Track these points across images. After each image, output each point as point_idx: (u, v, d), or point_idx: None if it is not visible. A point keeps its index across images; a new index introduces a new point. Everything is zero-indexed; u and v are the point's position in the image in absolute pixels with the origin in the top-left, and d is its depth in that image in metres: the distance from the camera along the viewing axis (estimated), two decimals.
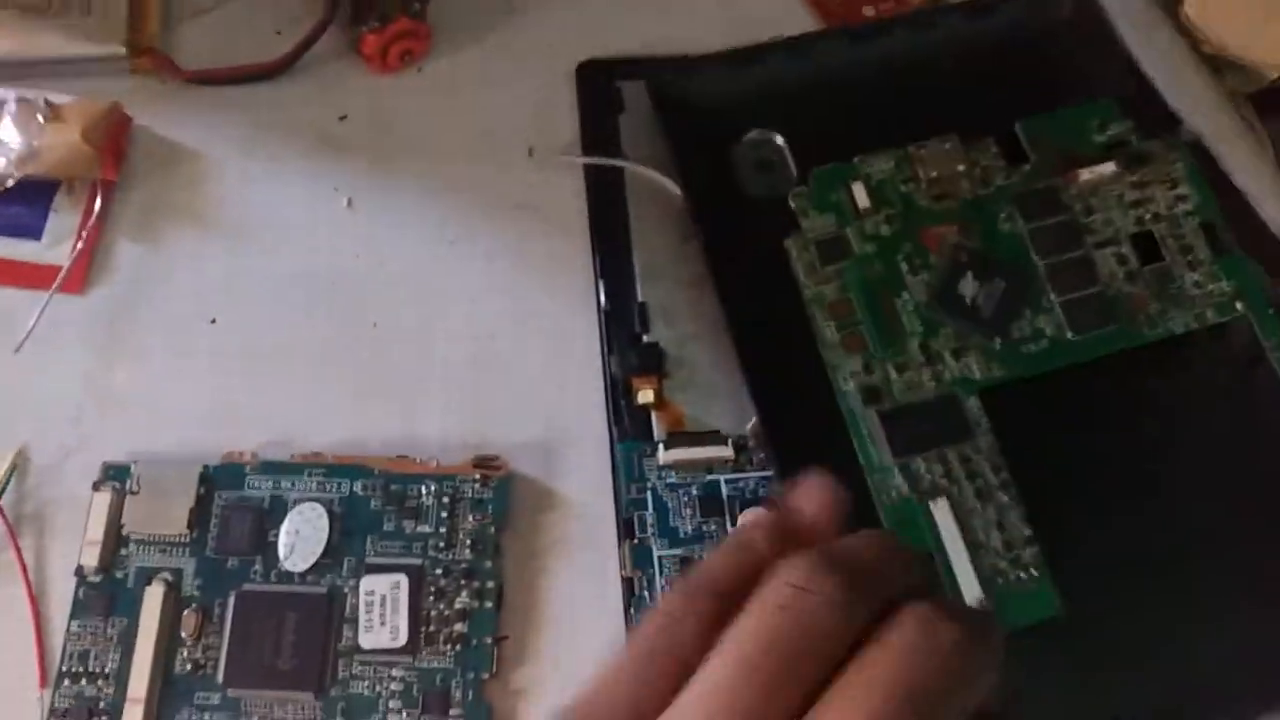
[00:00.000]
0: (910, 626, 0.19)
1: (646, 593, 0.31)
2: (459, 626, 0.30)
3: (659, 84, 0.36)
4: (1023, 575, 0.30)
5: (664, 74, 0.37)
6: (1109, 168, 0.34)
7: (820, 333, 0.33)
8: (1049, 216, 0.34)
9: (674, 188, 0.36)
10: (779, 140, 0.36)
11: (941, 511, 0.30)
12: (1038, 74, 0.37)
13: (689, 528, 0.32)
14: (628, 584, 0.31)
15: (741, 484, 0.32)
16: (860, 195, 0.34)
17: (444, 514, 0.31)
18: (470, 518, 0.31)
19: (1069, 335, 0.33)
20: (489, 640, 0.30)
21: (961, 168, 0.34)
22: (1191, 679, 0.29)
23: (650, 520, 0.32)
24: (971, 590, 0.29)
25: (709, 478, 0.32)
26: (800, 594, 0.19)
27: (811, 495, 0.22)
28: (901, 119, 0.35)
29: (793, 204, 0.34)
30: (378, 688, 0.29)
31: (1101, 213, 0.34)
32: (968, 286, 0.33)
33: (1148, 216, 0.34)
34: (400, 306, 0.35)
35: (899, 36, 0.38)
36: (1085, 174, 0.34)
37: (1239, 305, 0.33)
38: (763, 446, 0.32)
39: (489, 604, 0.30)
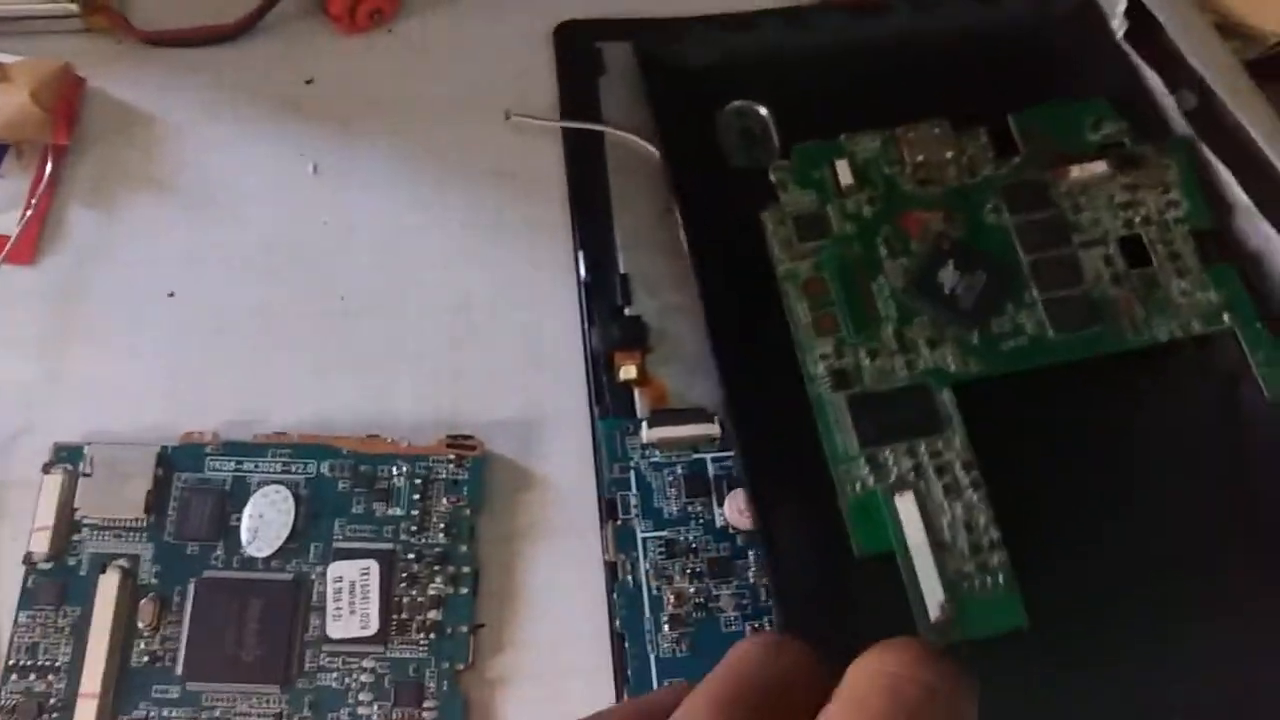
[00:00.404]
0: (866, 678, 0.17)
1: (629, 577, 0.29)
2: (433, 614, 0.28)
3: (645, 45, 0.35)
4: (989, 582, 0.28)
5: (651, 34, 0.35)
6: (1100, 167, 0.33)
7: (792, 311, 0.31)
8: (1036, 211, 0.33)
9: (656, 153, 0.34)
10: (763, 112, 0.34)
11: (907, 507, 0.29)
12: (1035, 67, 0.36)
13: (674, 509, 0.30)
14: (610, 568, 0.30)
15: (728, 463, 0.31)
16: (844, 173, 0.33)
17: (416, 496, 0.30)
18: (444, 500, 0.30)
19: (1050, 334, 0.31)
20: (464, 629, 0.29)
21: (950, 154, 0.33)
22: (1158, 698, 0.28)
23: (633, 501, 0.30)
24: (934, 595, 0.28)
25: (694, 456, 0.31)
26: (758, 656, 0.18)
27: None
28: (892, 100, 0.34)
29: (773, 177, 0.33)
30: (347, 679, 0.28)
31: (1090, 212, 0.33)
32: (948, 276, 0.31)
33: (1137, 220, 0.33)
34: (369, 278, 0.33)
35: (901, 16, 0.36)
36: (1076, 171, 0.33)
37: (1226, 317, 0.32)
38: (727, 425, 0.30)
39: (464, 590, 0.29)
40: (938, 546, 0.28)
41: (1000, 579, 0.28)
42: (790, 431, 0.30)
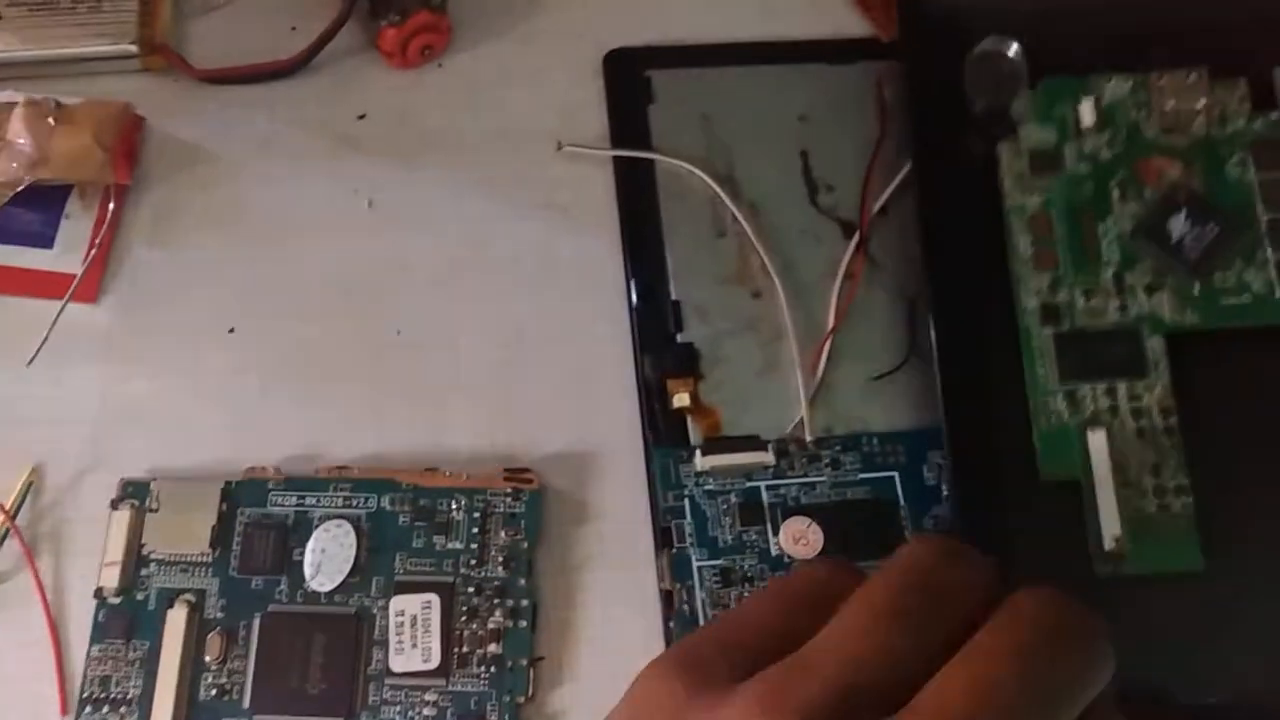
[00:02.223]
0: (1035, 601, 0.19)
1: (686, 605, 0.29)
2: (493, 647, 0.29)
3: None
4: (1170, 522, 0.29)
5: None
6: None
7: (1014, 244, 0.32)
8: None
9: (707, 180, 0.34)
10: (1014, 48, 0.34)
11: (1098, 443, 0.30)
12: None
13: (729, 537, 0.30)
14: (666, 597, 0.30)
15: (783, 491, 0.31)
16: (1086, 113, 0.33)
17: (475, 529, 0.30)
18: (502, 533, 0.30)
19: (1277, 295, 0.31)
20: (524, 661, 0.29)
21: (1202, 103, 0.33)
22: None
23: (688, 529, 0.30)
24: (1111, 528, 0.29)
25: (748, 484, 0.31)
26: (933, 562, 0.20)
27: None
28: (1148, 47, 0.34)
29: (1015, 111, 0.33)
30: (410, 713, 0.28)
31: None
32: (1178, 225, 0.32)
33: None
34: (424, 311, 0.34)
35: None
36: None
37: None
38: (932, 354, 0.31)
39: (523, 623, 0.29)
40: (1122, 483, 0.29)
41: (1181, 522, 0.29)
42: (994, 358, 0.31)
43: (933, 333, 0.31)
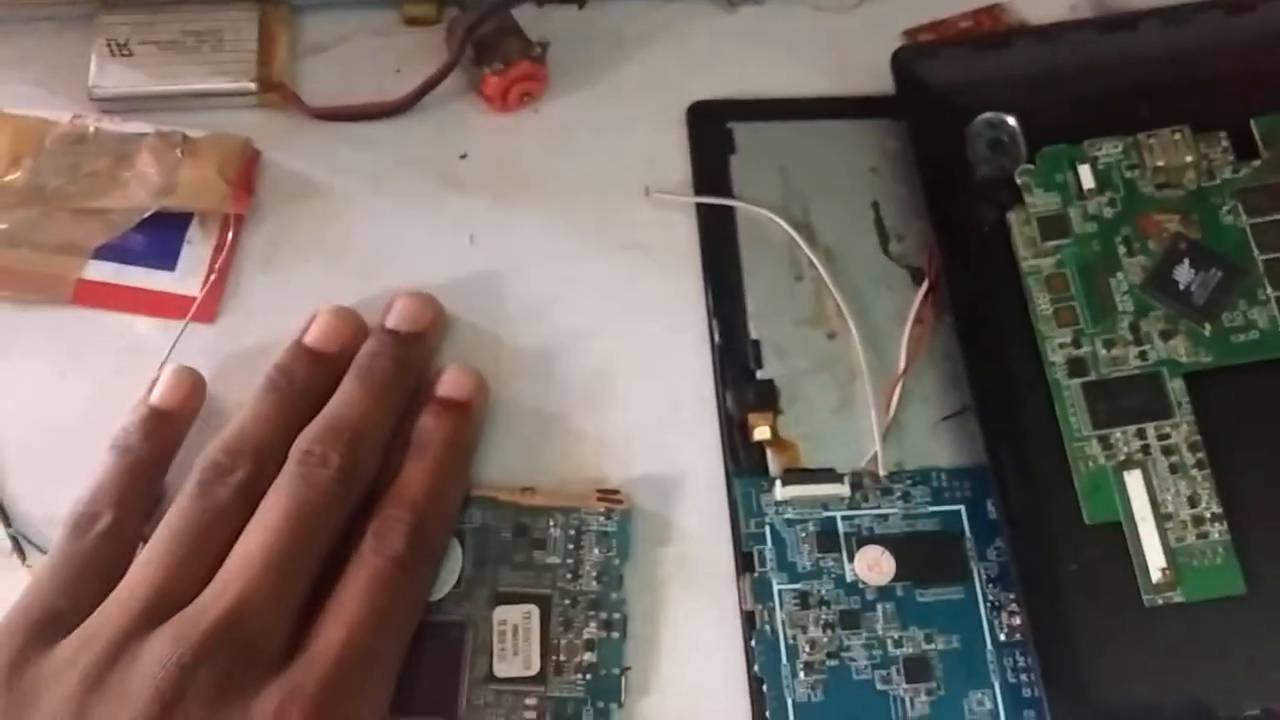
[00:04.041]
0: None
1: (767, 625, 0.32)
2: (588, 656, 0.31)
3: (902, 61, 0.37)
4: (1209, 550, 0.31)
5: (907, 51, 0.38)
6: None
7: (1034, 303, 0.34)
8: (1274, 213, 0.35)
9: (785, 227, 0.37)
10: (1012, 121, 0.37)
11: (1135, 482, 0.32)
12: None
13: (807, 563, 0.32)
14: (748, 617, 0.32)
15: (857, 521, 0.33)
16: (1086, 177, 0.36)
17: (570, 546, 0.32)
18: (595, 550, 0.32)
19: None
20: (617, 670, 0.31)
21: (1189, 159, 0.36)
22: None
23: (769, 555, 0.32)
24: (1156, 561, 0.31)
25: (825, 514, 0.33)
26: (312, 471, 0.30)
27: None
28: (1134, 107, 0.37)
29: (1019, 181, 0.36)
30: (512, 715, 0.30)
31: None
32: (1183, 273, 0.34)
33: None
34: (521, 343, 0.36)
35: (1150, 29, 0.38)
36: None
37: None
38: (972, 410, 0.34)
39: (615, 634, 0.31)
40: (1161, 518, 0.32)
41: (1220, 549, 0.31)
42: (1029, 411, 0.33)
43: (969, 391, 0.33)
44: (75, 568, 0.29)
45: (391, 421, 0.32)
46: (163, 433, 0.32)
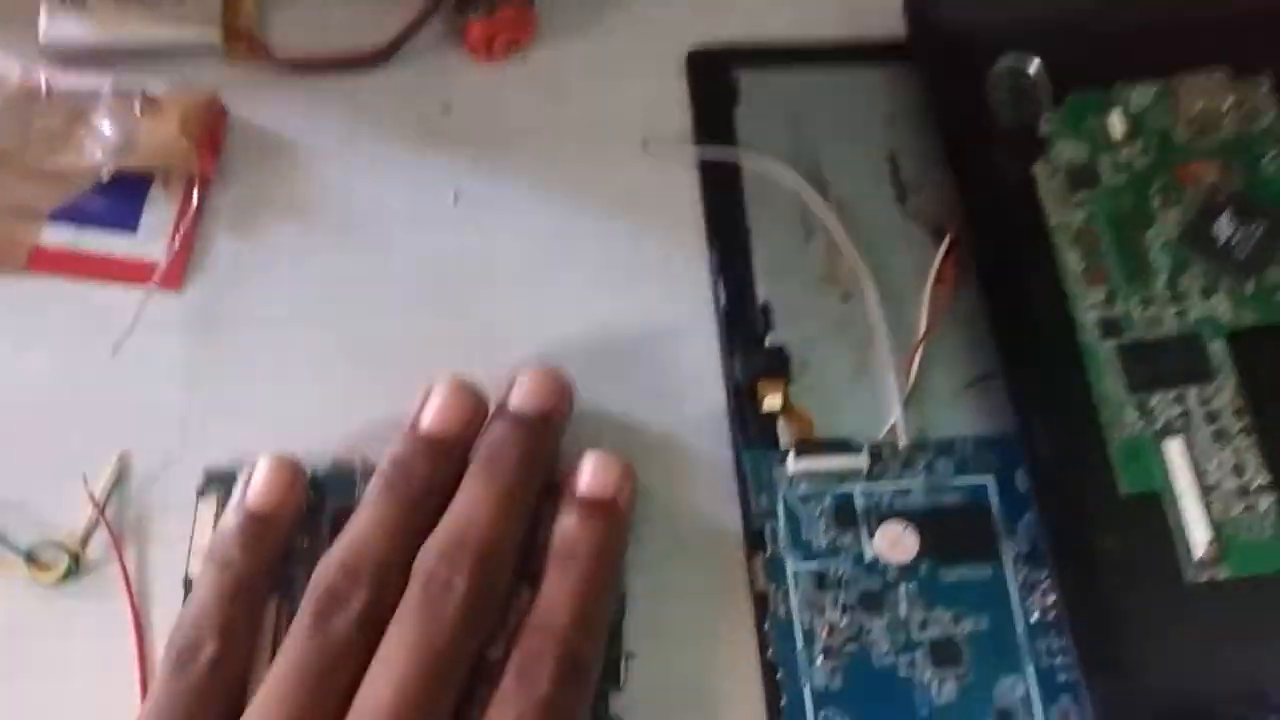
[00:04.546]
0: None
1: (782, 608, 0.29)
2: None
3: (914, 6, 0.35)
4: (1256, 523, 0.29)
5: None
6: None
7: (1063, 263, 0.32)
8: None
9: (795, 181, 0.34)
10: (1035, 65, 0.34)
11: (1175, 451, 0.30)
12: None
13: (822, 541, 0.30)
14: (760, 599, 0.30)
15: (877, 495, 0.30)
16: (1116, 125, 0.33)
17: None
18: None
19: None
20: (615, 654, 0.28)
21: (1228, 104, 0.33)
22: None
23: (781, 532, 0.30)
24: (1200, 534, 0.29)
25: (841, 488, 0.31)
26: (438, 598, 0.26)
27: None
28: (1167, 48, 0.34)
29: (1044, 129, 0.34)
30: None
31: None
32: (1223, 226, 0.32)
33: None
34: (510, 306, 0.34)
35: None
36: None
37: None
38: (1001, 377, 0.31)
39: (615, 615, 0.29)
40: (1205, 489, 0.29)
41: (1269, 521, 0.29)
42: (1060, 377, 0.31)
43: (996, 355, 0.31)
44: (183, 708, 0.26)
45: (523, 526, 0.28)
46: (265, 541, 0.28)
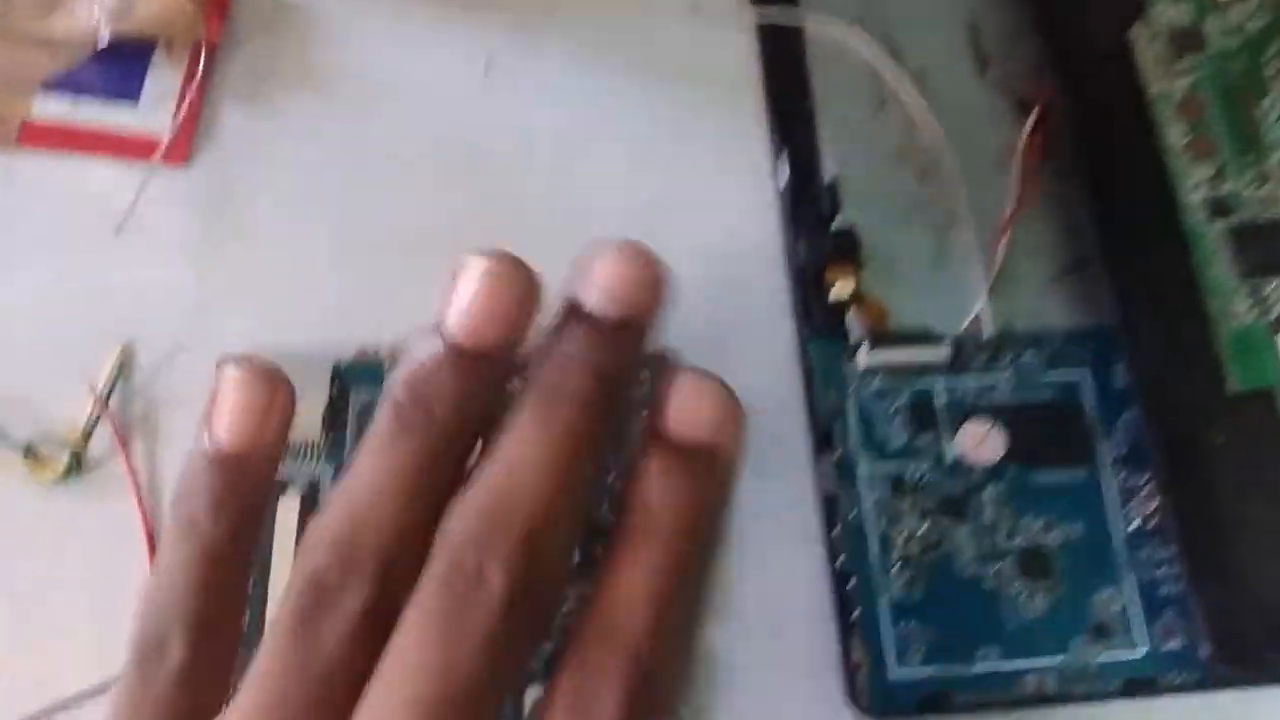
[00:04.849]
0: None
1: (853, 513, 0.26)
2: None
3: None
4: None
5: None
6: None
7: (1165, 137, 0.29)
8: None
9: (865, 47, 0.31)
10: None
11: None
12: None
13: (898, 441, 0.27)
14: (828, 504, 0.27)
15: (959, 391, 0.27)
16: None
17: None
18: (637, 424, 0.27)
19: None
20: None
21: None
22: None
23: (852, 432, 0.27)
24: None
25: (920, 384, 0.28)
26: (467, 597, 0.17)
27: None
28: None
29: None
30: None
31: None
32: None
33: None
34: (548, 185, 0.30)
35: None
36: None
37: None
38: (1096, 263, 0.28)
39: None
40: None
41: None
42: (1163, 263, 0.28)
43: (1091, 239, 0.28)
44: None
45: (592, 489, 0.19)
46: (239, 493, 0.20)
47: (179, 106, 0.31)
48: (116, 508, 0.27)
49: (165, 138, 0.30)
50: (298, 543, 0.24)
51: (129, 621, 0.25)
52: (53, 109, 0.31)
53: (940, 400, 0.27)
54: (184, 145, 0.31)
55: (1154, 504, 0.27)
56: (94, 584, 0.26)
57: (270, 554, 0.26)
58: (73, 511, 0.27)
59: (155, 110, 0.31)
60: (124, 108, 0.31)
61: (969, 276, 0.29)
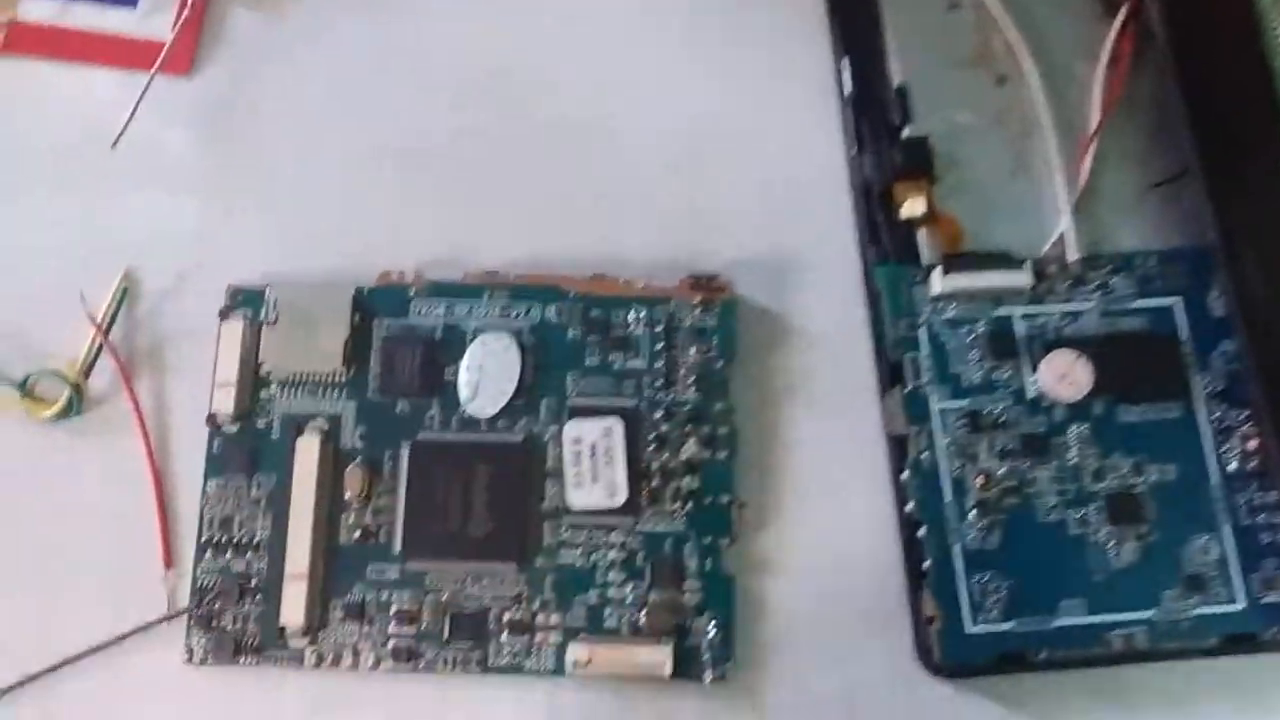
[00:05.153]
0: None
1: (925, 454, 0.24)
2: (688, 481, 0.24)
3: None
4: None
5: None
6: None
7: (1270, 33, 0.26)
8: None
9: None
10: None
11: None
12: None
13: (976, 375, 0.25)
14: (898, 443, 0.25)
15: (1042, 320, 0.25)
16: None
17: (659, 346, 0.25)
18: (691, 350, 0.25)
19: None
20: (725, 498, 0.24)
21: None
22: None
23: (925, 364, 0.25)
24: None
25: (998, 311, 0.25)
26: None
27: None
28: None
29: None
30: (593, 556, 0.24)
31: None
32: None
33: None
34: (587, 95, 0.28)
35: None
36: None
37: None
38: (1193, 176, 0.25)
39: (723, 453, 0.25)
40: None
41: None
42: (1268, 177, 0.25)
43: (1188, 149, 0.25)
44: None
45: None
46: None
47: (180, 10, 0.28)
48: (122, 444, 0.25)
49: (166, 43, 0.28)
50: (319, 481, 0.23)
51: (135, 564, 0.24)
52: (42, 10, 0.29)
53: (1020, 330, 0.25)
54: (187, 52, 0.28)
55: (1254, 443, 0.24)
56: (97, 526, 0.25)
57: (289, 490, 0.24)
58: (73, 450, 0.25)
59: (155, 13, 0.29)
60: (120, 10, 0.29)
61: (1051, 192, 0.27)
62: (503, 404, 0.25)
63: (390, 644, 0.23)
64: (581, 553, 0.24)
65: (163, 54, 0.27)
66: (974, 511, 0.24)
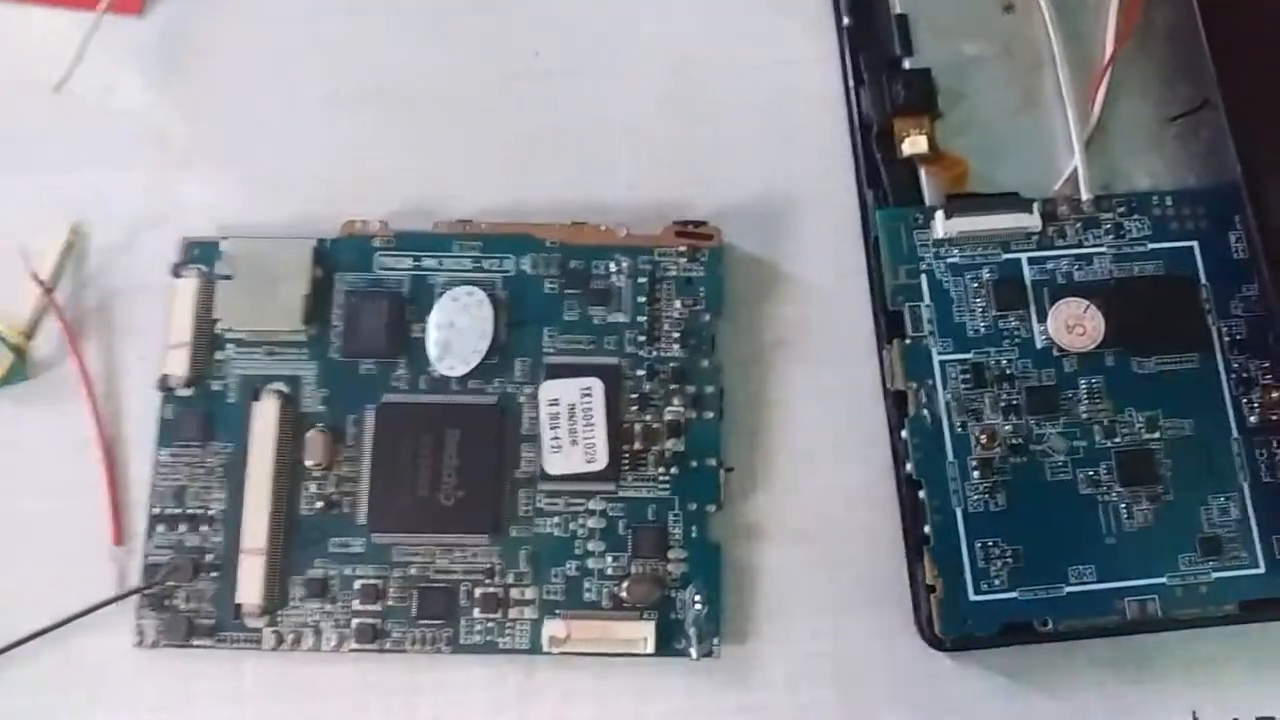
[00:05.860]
0: None
1: (925, 410, 0.23)
2: (672, 444, 0.23)
3: None
4: None
5: None
6: None
7: None
8: None
9: None
10: None
11: None
12: None
13: (981, 324, 0.24)
14: (897, 399, 0.23)
15: (1051, 265, 0.24)
16: None
17: (641, 298, 0.24)
18: (676, 303, 0.24)
19: None
20: (712, 462, 0.23)
21: None
22: None
23: (926, 314, 0.23)
24: None
25: (1005, 256, 0.24)
26: None
27: None
28: None
29: None
30: (572, 525, 0.23)
31: None
32: None
33: None
34: (568, 28, 0.27)
35: None
36: None
37: None
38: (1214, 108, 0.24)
39: (709, 414, 0.24)
40: None
41: None
42: None
43: (1208, 80, 0.24)
44: None
45: None
46: None
47: None
48: (69, 410, 0.24)
49: None
50: (278, 448, 0.22)
51: (85, 539, 0.22)
52: None
53: (1028, 276, 0.24)
54: None
55: (1276, 395, 0.23)
56: (43, 501, 0.23)
57: (246, 458, 0.23)
58: (17, 419, 0.24)
59: None
60: None
61: (1062, 127, 0.25)
62: (474, 363, 0.24)
63: (354, 623, 0.22)
64: (559, 522, 0.23)
65: None
66: (977, 472, 0.23)
